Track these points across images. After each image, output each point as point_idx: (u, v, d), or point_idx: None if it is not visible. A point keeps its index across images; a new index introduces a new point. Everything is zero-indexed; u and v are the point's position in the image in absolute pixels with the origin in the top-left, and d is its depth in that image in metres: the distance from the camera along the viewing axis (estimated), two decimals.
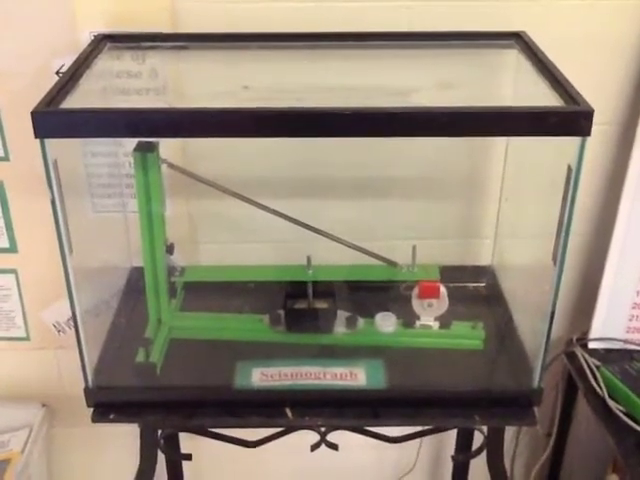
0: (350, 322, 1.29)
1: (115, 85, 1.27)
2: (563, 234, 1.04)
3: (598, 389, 1.36)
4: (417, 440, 1.37)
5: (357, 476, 1.80)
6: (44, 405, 1.61)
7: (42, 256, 1.41)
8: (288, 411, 1.17)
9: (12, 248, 1.45)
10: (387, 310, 1.31)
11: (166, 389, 1.21)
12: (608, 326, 1.45)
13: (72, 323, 1.13)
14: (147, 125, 0.98)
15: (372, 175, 1.38)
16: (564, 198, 1.02)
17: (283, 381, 1.20)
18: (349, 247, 1.26)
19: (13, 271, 1.47)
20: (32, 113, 0.94)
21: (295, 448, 1.35)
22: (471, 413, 1.17)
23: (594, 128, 0.95)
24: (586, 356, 1.43)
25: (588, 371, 1.40)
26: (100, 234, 1.34)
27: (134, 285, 1.38)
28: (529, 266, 1.28)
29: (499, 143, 1.36)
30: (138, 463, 1.29)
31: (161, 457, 1.34)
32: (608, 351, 1.45)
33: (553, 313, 1.10)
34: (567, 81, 1.03)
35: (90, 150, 1.34)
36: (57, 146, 0.99)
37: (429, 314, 1.27)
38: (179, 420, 1.20)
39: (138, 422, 1.23)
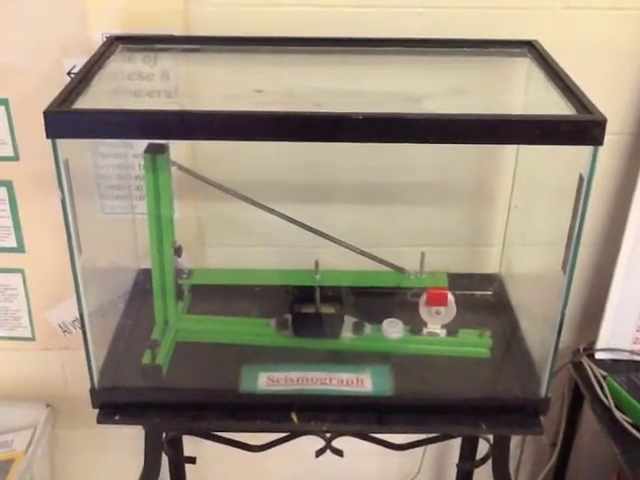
0: (357, 328, 1.29)
1: (127, 87, 1.27)
2: (573, 243, 1.03)
3: (604, 399, 1.35)
4: (421, 447, 1.37)
5: None
6: (48, 405, 1.61)
7: (49, 256, 1.41)
8: (293, 416, 1.17)
9: (19, 248, 1.45)
10: (394, 316, 1.30)
11: (172, 391, 1.21)
12: (615, 336, 1.44)
13: (77, 324, 1.14)
14: (158, 127, 0.98)
15: (381, 181, 1.38)
16: (575, 207, 1.01)
17: (289, 386, 1.20)
18: (357, 252, 1.26)
19: (20, 271, 1.47)
20: (44, 113, 0.95)
21: (300, 453, 1.35)
22: (477, 421, 1.16)
23: (605, 138, 0.95)
24: (593, 366, 1.42)
25: (594, 381, 1.39)
26: (108, 235, 1.34)
27: (141, 287, 1.38)
28: (537, 275, 1.28)
29: (509, 150, 1.36)
30: (142, 465, 1.28)
31: (164, 460, 1.34)
32: (615, 361, 1.44)
33: (562, 322, 1.10)
34: (580, 90, 1.03)
35: (100, 151, 1.34)
36: (67, 147, 0.99)
37: (436, 321, 1.27)
38: (184, 422, 1.19)
39: (143, 424, 1.23)
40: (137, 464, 1.28)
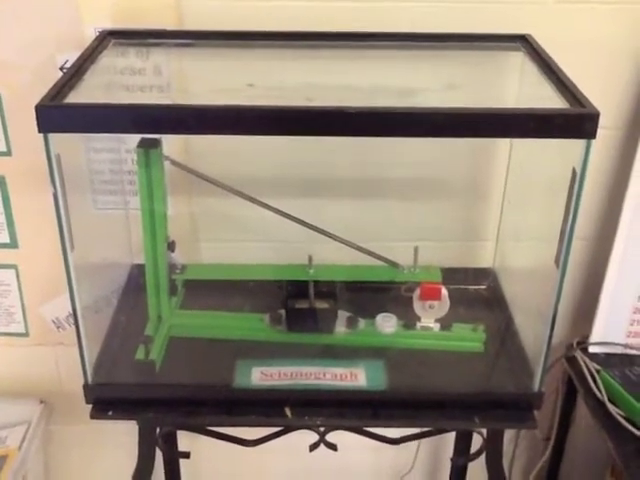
0: (351, 322, 1.29)
1: (119, 81, 1.27)
2: (567, 237, 1.03)
3: (598, 393, 1.35)
4: (415, 441, 1.37)
5: (355, 477, 1.79)
6: (42, 402, 1.60)
7: (42, 252, 1.40)
8: (287, 410, 1.17)
9: (13, 243, 1.44)
10: (388, 311, 1.30)
11: (165, 387, 1.21)
12: (609, 330, 1.44)
13: (71, 319, 1.13)
14: (151, 121, 0.98)
15: (375, 175, 1.37)
16: (568, 201, 1.01)
17: (283, 380, 1.20)
18: (351, 247, 1.26)
19: (13, 266, 1.47)
20: (36, 107, 0.94)
21: (294, 448, 1.35)
22: (471, 415, 1.16)
23: (598, 132, 0.95)
24: (586, 360, 1.42)
25: (588, 375, 1.39)
26: (101, 231, 1.34)
27: (135, 282, 1.38)
28: (531, 269, 1.28)
29: (502, 145, 1.36)
30: (136, 461, 1.28)
31: (159, 455, 1.34)
32: (608, 355, 1.45)
33: (555, 316, 1.10)
34: (572, 84, 1.03)
35: (92, 146, 1.34)
36: (60, 141, 0.99)
37: (430, 316, 1.27)
38: (178, 418, 1.20)
39: (137, 419, 1.22)
40: (131, 459, 1.28)
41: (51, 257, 1.15)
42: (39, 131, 0.95)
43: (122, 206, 1.40)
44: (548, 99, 1.03)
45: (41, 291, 1.49)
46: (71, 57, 1.16)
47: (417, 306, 1.27)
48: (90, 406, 1.17)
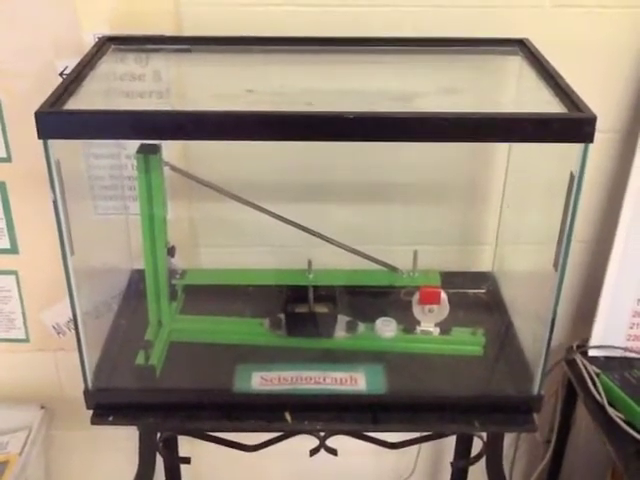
0: (350, 327, 1.29)
1: (118, 87, 1.27)
2: (565, 241, 1.04)
3: (598, 396, 1.35)
4: (416, 446, 1.37)
5: None
6: (43, 407, 1.60)
7: (43, 258, 1.41)
8: (287, 415, 1.17)
9: (13, 249, 1.45)
10: (387, 315, 1.31)
11: (165, 392, 1.21)
12: (608, 334, 1.44)
13: (72, 325, 1.13)
14: (150, 127, 0.98)
15: (374, 180, 1.38)
16: (566, 205, 1.02)
17: (283, 385, 1.20)
18: (350, 252, 1.26)
19: (14, 272, 1.47)
20: (36, 114, 0.95)
21: (294, 453, 1.35)
22: (471, 419, 1.17)
23: (596, 136, 0.95)
24: (586, 363, 1.42)
25: (588, 378, 1.39)
26: (101, 236, 1.34)
27: (135, 287, 1.38)
28: (530, 272, 1.28)
29: (501, 149, 1.36)
30: (137, 466, 1.28)
31: (159, 461, 1.34)
32: (608, 359, 1.45)
33: (554, 320, 1.10)
34: (570, 87, 1.03)
35: (92, 152, 1.34)
36: (60, 147, 0.99)
37: (429, 320, 1.27)
38: (178, 423, 1.19)
39: (137, 424, 1.23)
40: (132, 465, 1.28)
41: (51, 263, 1.15)
42: (39, 137, 0.96)
43: (122, 211, 1.40)
44: (546, 103, 1.03)
45: (41, 297, 1.49)
46: (70, 63, 1.17)
47: (416, 310, 1.27)
48: (91, 411, 1.17)
